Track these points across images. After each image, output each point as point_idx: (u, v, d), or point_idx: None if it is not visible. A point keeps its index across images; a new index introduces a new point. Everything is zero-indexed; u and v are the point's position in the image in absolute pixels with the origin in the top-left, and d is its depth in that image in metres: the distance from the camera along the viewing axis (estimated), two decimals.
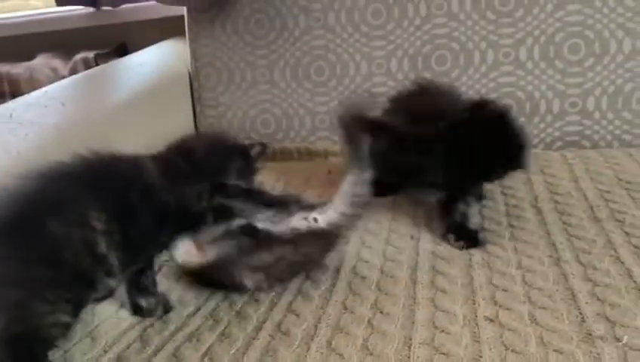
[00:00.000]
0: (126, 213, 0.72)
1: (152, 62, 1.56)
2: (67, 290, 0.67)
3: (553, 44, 1.36)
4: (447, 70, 1.41)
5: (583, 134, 1.37)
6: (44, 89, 1.27)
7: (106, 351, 0.76)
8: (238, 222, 0.84)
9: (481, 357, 0.67)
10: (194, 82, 1.57)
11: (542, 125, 1.38)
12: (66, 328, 0.68)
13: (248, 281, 0.83)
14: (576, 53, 1.35)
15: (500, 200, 1.09)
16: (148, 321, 0.82)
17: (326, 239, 0.88)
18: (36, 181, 0.69)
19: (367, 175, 0.87)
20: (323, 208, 0.87)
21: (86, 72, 1.51)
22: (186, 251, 0.84)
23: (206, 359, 0.72)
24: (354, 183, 0.87)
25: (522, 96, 1.38)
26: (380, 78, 1.45)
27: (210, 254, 0.84)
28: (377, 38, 1.44)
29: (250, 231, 0.84)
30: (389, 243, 0.98)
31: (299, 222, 0.85)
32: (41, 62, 2.03)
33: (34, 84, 1.96)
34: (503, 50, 1.38)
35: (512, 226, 0.99)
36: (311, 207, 0.87)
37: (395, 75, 1.44)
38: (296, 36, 1.49)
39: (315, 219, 0.85)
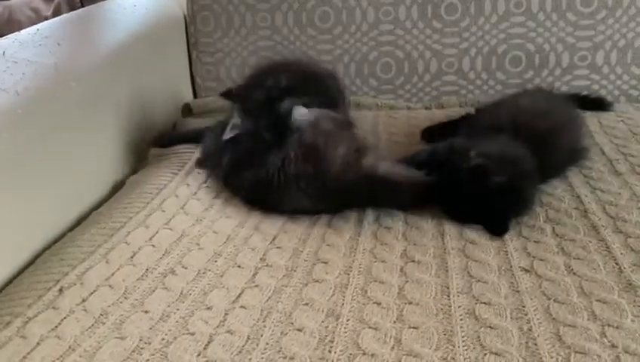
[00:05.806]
0: None
1: (146, 3, 1.48)
2: None
3: None
4: (456, 19, 1.37)
5: (590, 89, 1.36)
6: (35, 27, 1.19)
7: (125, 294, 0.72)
8: None
9: (524, 306, 0.66)
10: (190, 26, 1.48)
11: (550, 79, 1.36)
12: None
13: None
14: (589, 5, 1.32)
15: None
16: (168, 263, 0.79)
17: None
18: None
19: None
20: None
21: (79, 10, 1.43)
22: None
23: (237, 306, 0.69)
24: None
25: (532, 48, 1.35)
26: (387, 26, 1.40)
27: None
28: None
29: None
30: None
31: None
32: (21, 1, 1.92)
33: (12, 26, 1.86)
34: (515, 0, 1.35)
35: None
36: None
37: (404, 23, 1.39)
38: None
39: None
